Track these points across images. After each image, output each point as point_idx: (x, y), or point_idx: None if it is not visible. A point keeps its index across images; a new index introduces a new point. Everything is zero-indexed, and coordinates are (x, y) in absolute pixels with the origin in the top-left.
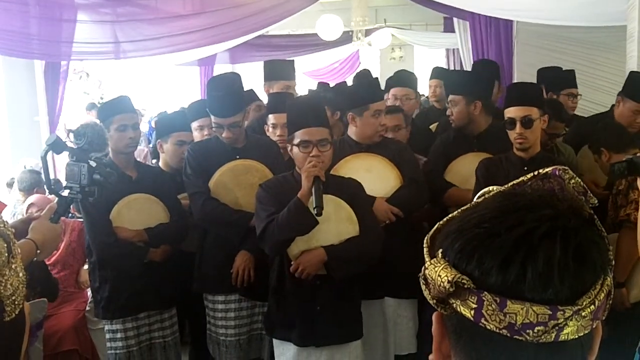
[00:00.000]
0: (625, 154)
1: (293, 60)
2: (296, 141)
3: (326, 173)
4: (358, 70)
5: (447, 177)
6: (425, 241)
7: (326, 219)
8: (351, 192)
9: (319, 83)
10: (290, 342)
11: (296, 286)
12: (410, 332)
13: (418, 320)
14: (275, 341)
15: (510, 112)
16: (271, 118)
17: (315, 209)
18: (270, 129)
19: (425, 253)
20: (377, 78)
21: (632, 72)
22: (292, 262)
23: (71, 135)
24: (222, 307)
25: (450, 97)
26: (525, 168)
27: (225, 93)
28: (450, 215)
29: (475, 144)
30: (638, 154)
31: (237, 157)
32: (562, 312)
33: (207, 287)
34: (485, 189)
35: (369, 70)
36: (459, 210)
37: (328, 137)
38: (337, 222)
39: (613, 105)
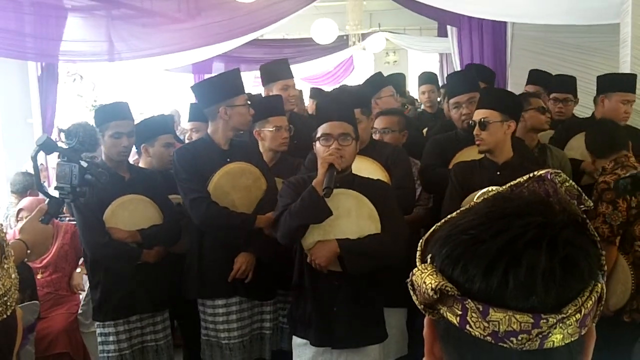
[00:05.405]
0: (606, 159)
1: (286, 59)
2: (318, 134)
3: (352, 173)
4: (351, 74)
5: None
6: (419, 244)
7: (346, 214)
8: (377, 192)
9: (311, 88)
10: (308, 340)
11: (314, 285)
12: (399, 338)
13: (407, 325)
14: (295, 339)
15: (474, 114)
16: (272, 121)
17: (324, 190)
18: (269, 132)
19: (417, 257)
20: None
21: (606, 74)
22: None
23: (62, 135)
24: (223, 311)
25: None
26: (498, 173)
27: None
28: (449, 217)
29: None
30: None
31: (228, 159)
32: (545, 321)
33: (207, 292)
34: (485, 190)
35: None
36: (457, 212)
37: (351, 133)
38: (358, 218)
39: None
